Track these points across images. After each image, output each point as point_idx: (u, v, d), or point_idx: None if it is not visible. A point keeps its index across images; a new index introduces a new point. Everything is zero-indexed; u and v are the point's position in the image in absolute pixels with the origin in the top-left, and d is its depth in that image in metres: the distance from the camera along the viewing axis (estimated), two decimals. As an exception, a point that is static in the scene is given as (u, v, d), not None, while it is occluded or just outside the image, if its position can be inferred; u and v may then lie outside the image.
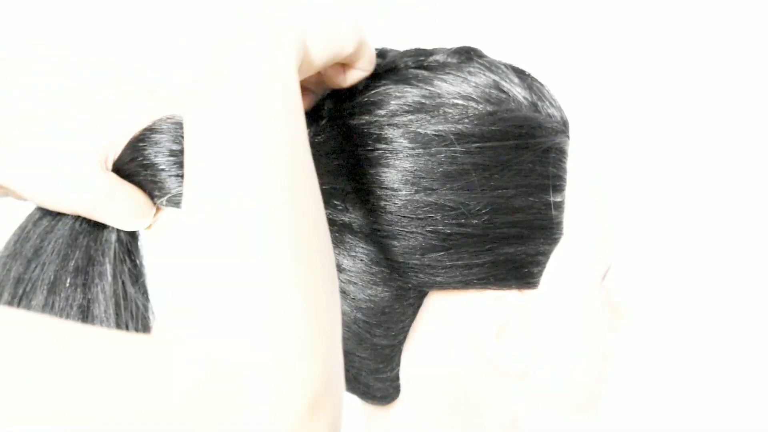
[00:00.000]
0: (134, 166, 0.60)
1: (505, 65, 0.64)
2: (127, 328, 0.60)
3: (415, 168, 0.59)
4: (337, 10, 0.57)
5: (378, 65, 0.64)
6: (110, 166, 0.60)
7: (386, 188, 0.59)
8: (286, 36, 0.53)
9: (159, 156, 0.59)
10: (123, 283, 0.61)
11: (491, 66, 0.63)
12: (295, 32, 0.53)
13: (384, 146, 0.59)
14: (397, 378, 0.63)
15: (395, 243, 0.59)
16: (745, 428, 1.34)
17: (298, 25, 0.54)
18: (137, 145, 0.60)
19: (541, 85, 0.65)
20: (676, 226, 1.37)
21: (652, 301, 1.35)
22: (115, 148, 0.60)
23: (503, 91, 0.62)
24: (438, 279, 0.59)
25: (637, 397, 1.35)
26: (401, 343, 0.61)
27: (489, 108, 0.61)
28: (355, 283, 0.60)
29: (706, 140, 1.36)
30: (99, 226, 0.60)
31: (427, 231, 0.58)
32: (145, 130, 0.60)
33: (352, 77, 0.61)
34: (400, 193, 0.58)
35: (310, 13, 0.55)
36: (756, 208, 1.36)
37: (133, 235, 0.62)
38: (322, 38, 0.55)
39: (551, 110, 0.64)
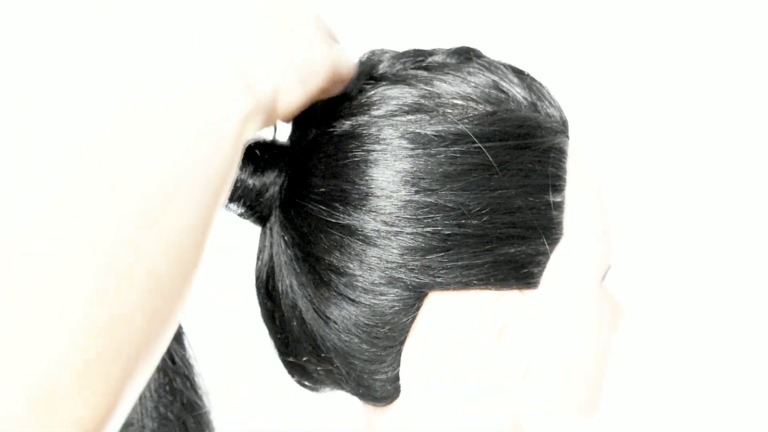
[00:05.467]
0: None
1: (505, 65, 0.64)
2: None
3: (414, 169, 0.58)
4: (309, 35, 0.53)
5: (377, 67, 0.64)
6: None
7: (386, 189, 0.59)
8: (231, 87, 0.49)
9: None
10: None
11: (490, 66, 0.63)
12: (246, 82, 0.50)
13: (383, 147, 0.59)
14: (398, 378, 0.63)
15: (395, 244, 0.58)
16: (745, 428, 1.34)
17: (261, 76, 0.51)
18: None
19: (541, 85, 0.65)
20: (675, 226, 1.37)
21: (652, 302, 1.34)
22: None
23: (503, 91, 0.62)
24: (438, 280, 0.59)
25: (637, 398, 1.35)
26: (402, 343, 0.61)
27: (488, 108, 0.61)
28: (355, 286, 0.59)
29: (706, 140, 1.36)
30: None
31: (427, 232, 0.58)
32: None
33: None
34: (399, 194, 0.58)
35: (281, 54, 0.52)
36: (755, 208, 1.36)
37: None
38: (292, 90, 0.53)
39: (551, 110, 0.64)
